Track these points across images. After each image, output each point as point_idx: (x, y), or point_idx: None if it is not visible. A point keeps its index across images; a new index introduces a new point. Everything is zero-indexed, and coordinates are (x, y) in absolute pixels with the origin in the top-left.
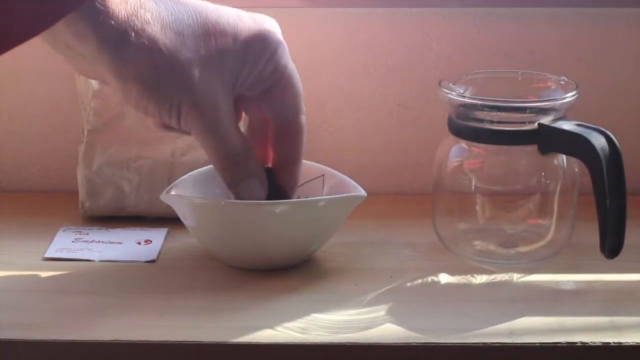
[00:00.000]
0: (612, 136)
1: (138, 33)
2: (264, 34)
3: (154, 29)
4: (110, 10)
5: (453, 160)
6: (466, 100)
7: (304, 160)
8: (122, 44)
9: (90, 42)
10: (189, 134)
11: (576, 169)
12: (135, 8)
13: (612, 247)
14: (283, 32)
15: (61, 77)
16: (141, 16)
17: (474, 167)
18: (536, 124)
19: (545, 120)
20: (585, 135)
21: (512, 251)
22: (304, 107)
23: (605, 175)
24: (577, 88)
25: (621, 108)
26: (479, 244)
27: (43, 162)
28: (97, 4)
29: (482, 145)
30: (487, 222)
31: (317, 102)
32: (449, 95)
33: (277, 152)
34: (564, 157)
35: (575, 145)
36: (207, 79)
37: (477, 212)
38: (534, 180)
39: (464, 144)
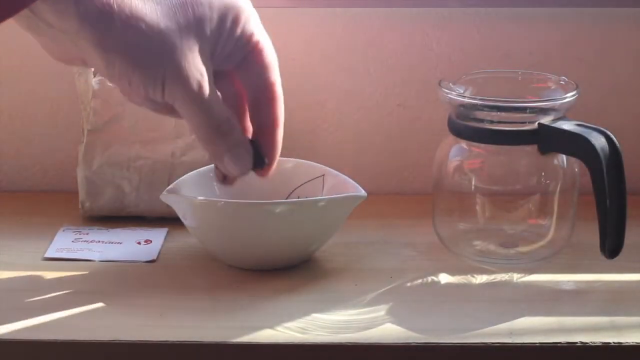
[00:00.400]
0: (612, 136)
1: (120, 5)
2: (237, 4)
3: (135, 1)
4: None
5: (453, 160)
6: (466, 100)
7: (303, 160)
8: (104, 17)
9: (72, 17)
10: (171, 110)
11: (576, 169)
12: None
13: (612, 247)
14: (283, 32)
15: (61, 77)
16: None
17: (474, 167)
18: (536, 124)
19: (545, 120)
20: (586, 135)
21: (512, 251)
22: (279, 75)
23: (605, 175)
24: (577, 88)
25: (621, 108)
26: (479, 243)
27: (43, 162)
28: None
29: (482, 145)
30: (487, 222)
31: (317, 102)
32: (449, 95)
33: (256, 122)
34: (564, 157)
35: (575, 145)
36: (189, 49)
37: (477, 212)
38: (534, 180)
39: (464, 144)
